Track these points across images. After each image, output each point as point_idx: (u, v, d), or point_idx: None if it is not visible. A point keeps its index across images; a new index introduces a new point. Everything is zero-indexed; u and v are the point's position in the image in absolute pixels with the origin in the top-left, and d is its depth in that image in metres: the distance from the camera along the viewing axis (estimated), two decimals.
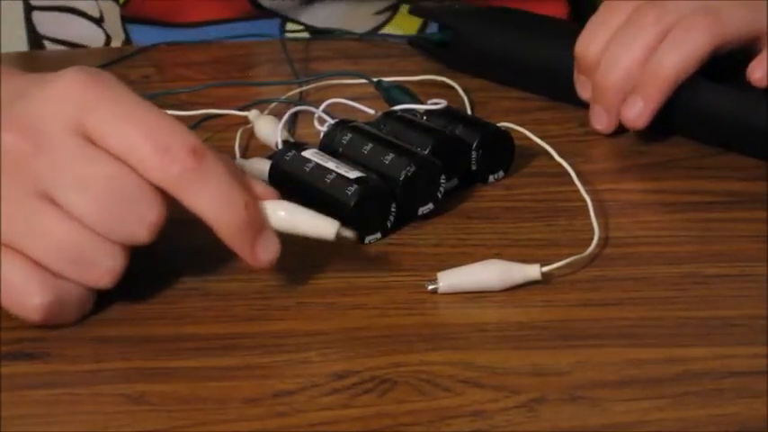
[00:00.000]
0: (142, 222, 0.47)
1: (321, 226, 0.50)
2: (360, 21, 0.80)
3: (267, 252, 0.49)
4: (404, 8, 0.80)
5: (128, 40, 0.82)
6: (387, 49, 0.75)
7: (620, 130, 0.63)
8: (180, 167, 0.47)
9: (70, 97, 0.48)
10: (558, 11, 0.82)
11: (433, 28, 0.76)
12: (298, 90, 0.69)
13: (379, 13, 0.80)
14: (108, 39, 0.84)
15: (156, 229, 0.48)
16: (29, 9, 0.85)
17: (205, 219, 0.48)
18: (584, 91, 0.65)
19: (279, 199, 0.51)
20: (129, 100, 0.48)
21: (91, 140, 0.48)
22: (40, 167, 0.47)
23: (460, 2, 0.77)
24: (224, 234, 0.48)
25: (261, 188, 0.51)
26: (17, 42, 0.92)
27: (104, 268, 0.48)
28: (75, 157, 0.47)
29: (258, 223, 0.49)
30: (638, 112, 0.61)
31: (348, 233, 0.50)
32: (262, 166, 0.57)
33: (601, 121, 0.63)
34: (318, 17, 0.80)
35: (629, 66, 0.61)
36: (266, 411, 0.44)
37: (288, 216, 0.50)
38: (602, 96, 0.62)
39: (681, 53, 0.60)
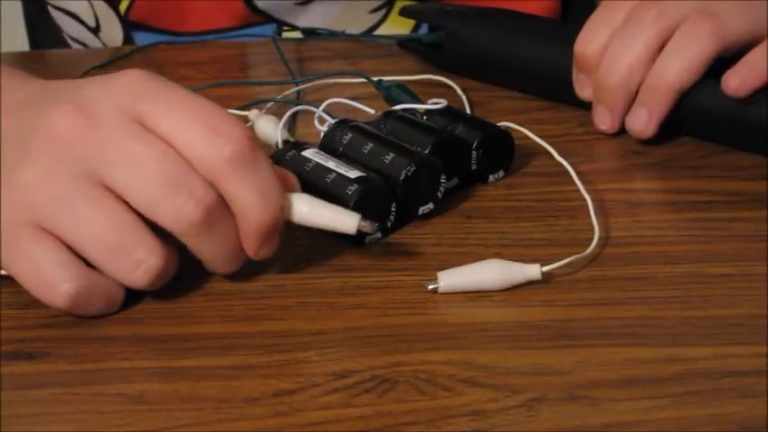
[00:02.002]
0: (198, 202, 0.47)
1: (342, 220, 0.50)
2: (356, 20, 0.80)
3: (269, 249, 0.50)
4: (398, 4, 0.80)
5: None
6: (384, 49, 0.75)
7: (623, 129, 0.64)
8: (231, 150, 0.47)
9: (127, 88, 0.49)
10: (547, 8, 0.82)
11: (425, 27, 0.76)
12: (297, 89, 0.69)
13: (374, 11, 0.80)
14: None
15: (208, 210, 0.47)
16: (44, 4, 0.85)
17: (239, 208, 0.48)
18: (582, 90, 0.65)
19: (297, 185, 0.51)
20: (185, 92, 0.49)
21: (143, 126, 0.48)
22: (90, 146, 0.47)
23: (450, 2, 0.77)
24: (251, 227, 0.49)
25: (281, 173, 0.51)
26: (17, 42, 0.92)
27: (141, 264, 0.48)
28: (127, 136, 0.47)
29: (280, 226, 0.49)
30: (644, 123, 0.61)
31: (368, 226, 0.50)
32: None
33: (604, 121, 0.63)
34: (314, 19, 0.79)
35: (631, 64, 0.61)
36: (267, 411, 0.44)
37: (310, 210, 0.50)
38: (606, 97, 0.62)
39: (684, 61, 0.60)
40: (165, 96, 0.48)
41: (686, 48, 0.60)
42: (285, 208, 0.49)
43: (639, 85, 0.62)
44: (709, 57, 0.60)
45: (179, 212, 0.47)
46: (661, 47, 0.61)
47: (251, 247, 0.49)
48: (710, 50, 0.60)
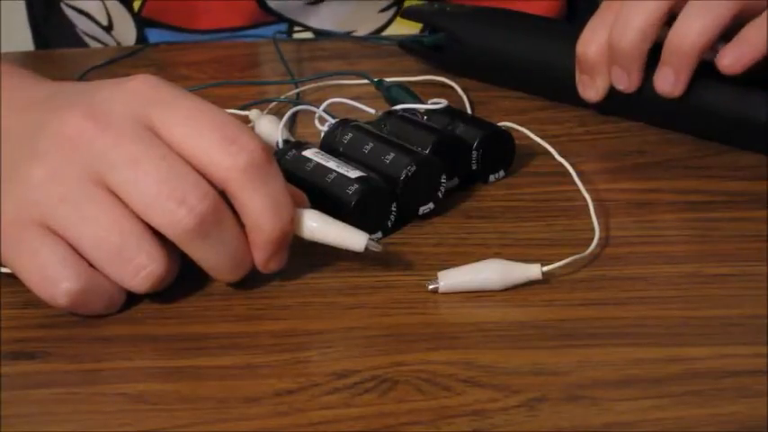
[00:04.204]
0: (190, 210, 0.47)
1: (350, 238, 0.50)
2: (365, 19, 0.80)
3: (278, 262, 0.50)
4: (407, 4, 0.80)
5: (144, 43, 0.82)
6: (384, 50, 0.75)
7: (623, 129, 0.64)
8: (246, 158, 0.47)
9: (140, 93, 0.49)
10: (550, 9, 0.82)
11: None
12: (298, 90, 0.69)
13: (383, 10, 0.80)
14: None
15: (201, 218, 0.47)
16: (56, 2, 0.85)
17: (250, 217, 0.48)
18: (585, 91, 0.65)
19: (306, 201, 0.51)
20: (199, 101, 0.49)
21: (156, 133, 0.48)
22: (98, 148, 0.47)
23: (450, 2, 0.77)
24: (258, 237, 0.48)
25: (291, 189, 0.51)
26: (19, 42, 0.93)
27: (142, 270, 0.47)
28: (132, 139, 0.47)
29: (289, 239, 0.49)
30: (672, 84, 0.61)
31: (376, 246, 0.50)
32: None
33: (621, 81, 0.62)
34: (324, 18, 0.80)
35: (643, 26, 0.60)
36: (267, 411, 0.44)
37: (319, 227, 0.50)
38: (620, 58, 0.62)
39: (705, 20, 0.59)
40: (180, 104, 0.48)
41: (706, 7, 0.60)
42: (295, 222, 0.49)
43: (653, 44, 0.61)
44: (729, 14, 0.59)
45: (171, 218, 0.47)
46: (672, 9, 0.61)
47: (261, 258, 0.49)
48: (730, 8, 0.59)
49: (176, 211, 0.47)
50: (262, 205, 0.48)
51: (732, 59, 0.59)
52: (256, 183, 0.48)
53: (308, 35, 0.80)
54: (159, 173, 0.47)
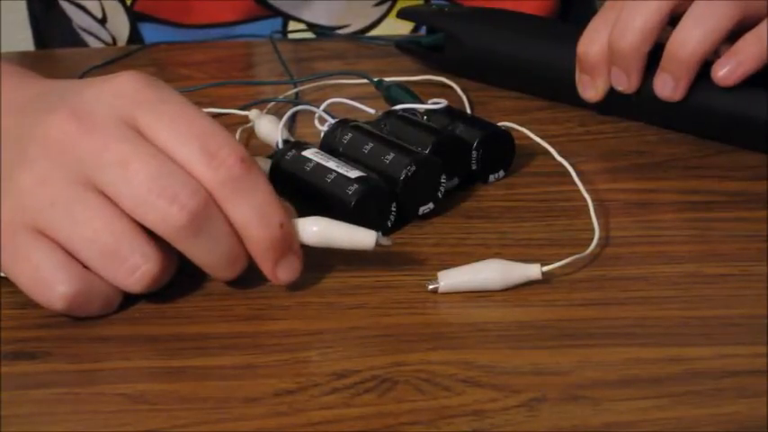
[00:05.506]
0: (182, 207, 0.47)
1: (359, 238, 0.50)
2: (360, 14, 0.80)
3: (288, 272, 0.50)
4: (401, 2, 0.80)
5: (139, 38, 0.82)
6: (383, 49, 0.75)
7: (623, 129, 0.64)
8: (226, 173, 0.47)
9: (126, 93, 0.49)
10: (545, 8, 0.82)
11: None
12: (297, 89, 0.69)
13: (378, 4, 0.80)
14: (113, 41, 0.84)
15: (193, 215, 0.47)
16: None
17: (239, 227, 0.48)
18: (585, 91, 0.65)
19: (293, 211, 0.51)
20: (184, 105, 0.49)
21: (140, 133, 0.48)
22: (84, 150, 0.47)
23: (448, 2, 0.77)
24: (252, 247, 0.49)
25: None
26: (20, 42, 0.93)
27: (136, 270, 0.47)
28: (118, 139, 0.47)
29: (288, 244, 0.49)
30: (671, 89, 0.61)
31: (386, 241, 0.50)
32: (262, 165, 0.57)
33: (621, 82, 0.62)
34: (319, 12, 0.80)
35: (643, 27, 0.60)
36: (267, 411, 0.44)
37: (324, 232, 0.50)
38: (620, 60, 0.62)
39: (704, 28, 0.59)
40: (164, 108, 0.48)
41: (706, 14, 0.59)
42: (286, 225, 0.49)
43: (653, 46, 0.61)
44: (730, 21, 0.59)
45: (163, 215, 0.47)
46: (673, 10, 0.61)
47: (266, 268, 0.49)
48: (731, 17, 0.59)
49: (168, 208, 0.47)
50: (246, 215, 0.48)
51: (727, 72, 0.59)
52: (237, 195, 0.48)
53: (307, 35, 0.80)
54: (149, 171, 0.47)
